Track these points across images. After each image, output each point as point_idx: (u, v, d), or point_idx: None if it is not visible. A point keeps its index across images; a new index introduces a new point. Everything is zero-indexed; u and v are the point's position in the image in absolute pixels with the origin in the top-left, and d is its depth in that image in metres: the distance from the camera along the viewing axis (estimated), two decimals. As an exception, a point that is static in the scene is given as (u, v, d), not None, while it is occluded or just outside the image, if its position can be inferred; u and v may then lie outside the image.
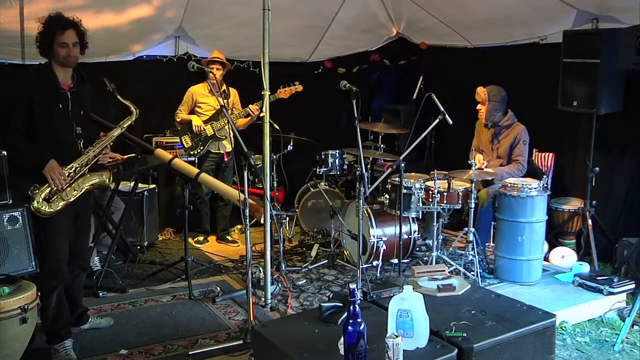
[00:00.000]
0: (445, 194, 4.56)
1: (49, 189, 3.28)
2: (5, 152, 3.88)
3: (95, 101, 3.68)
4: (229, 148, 5.55)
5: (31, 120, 3.25)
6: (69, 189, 3.35)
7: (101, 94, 3.66)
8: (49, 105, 3.29)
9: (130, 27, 5.31)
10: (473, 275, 4.47)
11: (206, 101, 5.47)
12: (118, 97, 3.54)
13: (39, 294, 3.36)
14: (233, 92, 5.54)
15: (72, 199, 3.37)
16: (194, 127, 5.38)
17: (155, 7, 5.25)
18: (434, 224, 4.62)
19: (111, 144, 3.56)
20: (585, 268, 4.49)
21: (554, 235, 5.16)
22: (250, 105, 5.30)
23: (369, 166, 5.79)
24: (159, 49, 5.97)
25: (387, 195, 4.92)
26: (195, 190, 5.51)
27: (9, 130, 3.27)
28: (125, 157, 4.87)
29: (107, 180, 3.53)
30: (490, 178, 4.85)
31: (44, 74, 3.33)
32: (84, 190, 3.42)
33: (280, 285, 4.40)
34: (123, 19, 5.18)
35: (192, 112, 5.51)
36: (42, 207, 3.26)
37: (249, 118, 5.37)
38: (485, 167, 5.04)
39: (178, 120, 5.49)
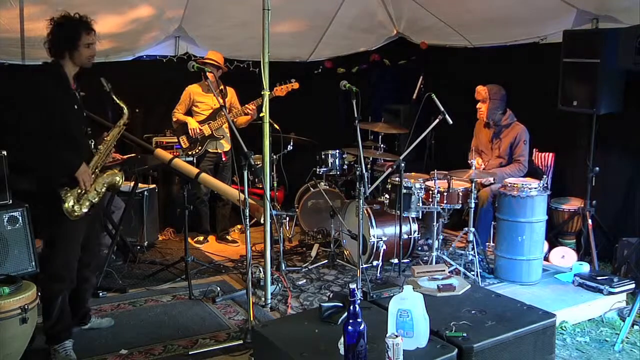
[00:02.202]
0: (445, 193, 4.56)
1: (79, 191, 3.29)
2: (26, 155, 3.57)
3: (94, 101, 3.69)
4: (227, 147, 5.55)
5: (50, 123, 3.23)
6: (92, 190, 3.38)
7: (100, 94, 3.65)
8: (67, 106, 3.31)
9: (130, 27, 5.31)
10: (473, 275, 4.47)
11: (203, 100, 5.46)
12: (114, 97, 3.53)
13: (43, 295, 3.36)
14: (231, 91, 5.53)
15: (95, 200, 3.39)
16: (190, 131, 5.38)
17: (155, 7, 5.25)
18: (434, 223, 4.62)
19: (114, 144, 3.59)
20: (585, 268, 4.49)
21: (554, 235, 5.15)
22: (247, 104, 5.30)
23: (369, 166, 5.79)
24: (159, 49, 5.98)
25: (387, 195, 4.92)
26: (194, 190, 5.51)
27: (33, 133, 3.22)
28: (125, 157, 4.88)
29: (120, 179, 3.56)
30: (491, 180, 4.84)
31: (57, 75, 3.30)
32: (103, 190, 3.46)
33: (280, 285, 4.40)
34: (123, 19, 5.18)
35: (189, 111, 5.50)
36: (75, 208, 3.27)
37: (249, 117, 5.36)
38: (484, 169, 5.04)
39: (174, 119, 5.49)
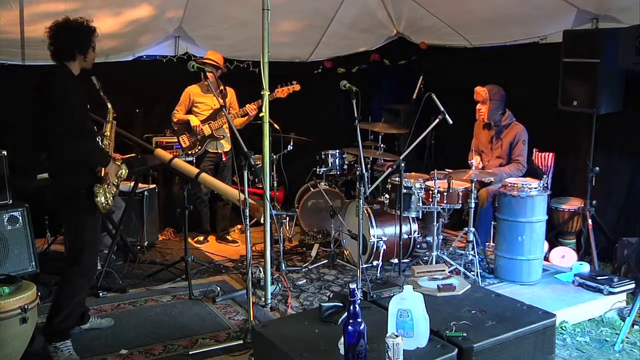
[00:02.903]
0: (445, 193, 4.56)
1: (106, 185, 3.44)
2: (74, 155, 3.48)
3: (96, 101, 3.71)
4: (227, 147, 5.55)
5: (81, 123, 3.36)
6: (111, 184, 3.53)
7: (104, 94, 3.67)
8: (84, 107, 3.43)
9: (130, 27, 5.31)
10: (473, 275, 4.47)
11: (203, 101, 5.46)
12: (102, 95, 3.61)
13: (65, 289, 3.42)
14: (230, 91, 5.53)
15: (115, 192, 3.58)
16: (192, 127, 5.38)
17: (155, 7, 5.25)
18: (434, 223, 4.62)
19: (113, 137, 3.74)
20: (585, 268, 4.49)
21: (554, 235, 5.15)
22: (247, 105, 5.30)
23: (369, 166, 5.79)
24: (159, 49, 5.98)
25: (387, 195, 4.92)
26: (194, 190, 5.51)
27: (77, 132, 3.30)
28: (125, 157, 4.87)
29: (124, 170, 3.66)
30: (490, 179, 4.84)
31: (73, 77, 3.38)
32: (118, 182, 3.62)
33: (280, 285, 4.40)
34: (123, 19, 5.18)
35: (189, 112, 5.50)
36: (109, 203, 3.46)
37: (246, 117, 5.37)
38: (482, 168, 5.03)
39: (175, 120, 5.49)
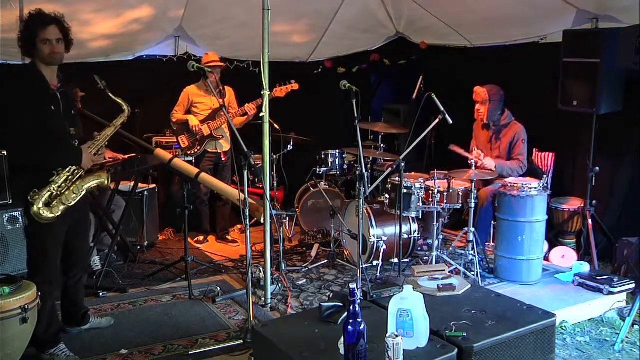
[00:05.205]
0: (445, 193, 4.56)
1: (49, 193, 3.22)
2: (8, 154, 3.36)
3: (91, 101, 3.67)
4: (226, 147, 5.55)
5: (34, 125, 3.17)
6: (67, 192, 3.27)
7: (96, 93, 3.64)
8: (42, 107, 3.21)
9: (130, 27, 5.31)
10: (473, 275, 4.47)
11: (202, 101, 5.47)
12: (110, 94, 3.49)
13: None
14: (229, 91, 5.54)
15: (72, 203, 3.29)
16: (190, 127, 5.38)
17: (155, 7, 5.25)
18: (434, 223, 4.62)
19: (106, 143, 3.52)
20: (585, 268, 4.49)
21: (554, 235, 5.16)
22: (246, 105, 5.30)
23: (369, 166, 5.79)
24: (159, 49, 5.98)
25: (387, 195, 4.92)
26: (194, 190, 5.51)
27: (21, 135, 3.15)
28: (126, 157, 4.87)
29: (106, 181, 3.48)
30: (491, 178, 4.83)
31: (31, 75, 3.24)
32: (83, 193, 3.35)
33: (280, 285, 4.40)
34: (123, 19, 5.18)
35: (188, 112, 5.50)
36: (43, 212, 3.21)
37: (246, 117, 5.37)
38: (483, 157, 4.99)
39: (174, 120, 5.49)
